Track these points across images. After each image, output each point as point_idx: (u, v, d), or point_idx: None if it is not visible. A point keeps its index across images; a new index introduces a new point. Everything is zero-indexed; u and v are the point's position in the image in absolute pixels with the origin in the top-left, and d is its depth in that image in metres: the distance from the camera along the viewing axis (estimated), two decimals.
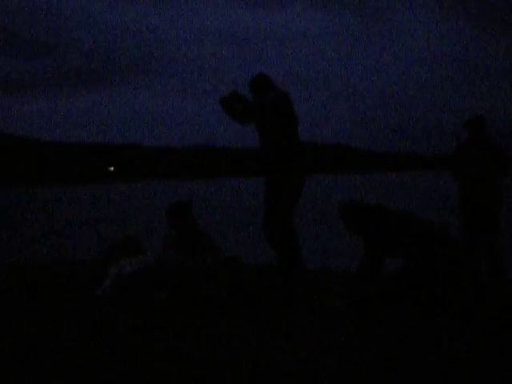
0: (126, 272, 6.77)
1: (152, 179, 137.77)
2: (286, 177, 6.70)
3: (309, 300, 6.43)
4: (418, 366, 4.42)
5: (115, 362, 4.61)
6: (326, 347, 4.88)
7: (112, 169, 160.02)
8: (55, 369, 4.44)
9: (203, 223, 7.36)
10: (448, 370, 4.31)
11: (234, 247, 12.76)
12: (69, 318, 5.91)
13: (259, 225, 6.97)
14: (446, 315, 5.73)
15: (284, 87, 6.86)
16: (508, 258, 7.76)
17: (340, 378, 4.17)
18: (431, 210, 20.12)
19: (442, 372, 4.28)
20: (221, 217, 26.48)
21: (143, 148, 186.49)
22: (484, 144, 7.50)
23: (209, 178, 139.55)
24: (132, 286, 6.70)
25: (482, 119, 7.53)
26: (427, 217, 6.40)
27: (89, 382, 4.18)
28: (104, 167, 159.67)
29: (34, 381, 4.21)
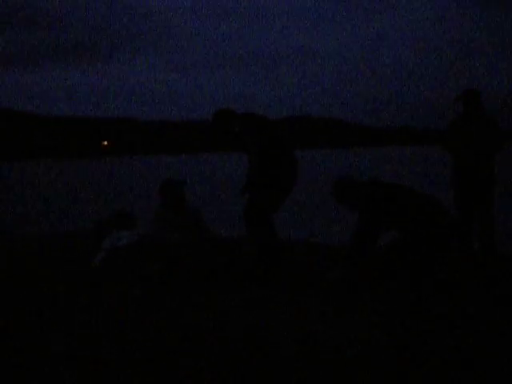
0: (120, 245, 6.81)
1: (147, 153, 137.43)
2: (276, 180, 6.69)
3: (301, 274, 6.47)
4: (419, 342, 4.46)
5: (113, 334, 4.64)
6: (323, 320, 4.92)
7: (106, 143, 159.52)
8: (51, 341, 4.46)
9: (200, 198, 7.41)
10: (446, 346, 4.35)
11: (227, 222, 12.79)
12: (63, 291, 5.94)
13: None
14: (441, 288, 5.78)
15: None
16: (501, 232, 7.82)
17: (329, 352, 4.21)
18: (426, 184, 20.14)
19: (440, 346, 4.32)
20: (220, 190, 26.51)
21: (138, 122, 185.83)
22: (479, 118, 7.50)
23: (204, 153, 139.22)
24: (125, 258, 6.74)
25: (476, 93, 7.52)
26: (422, 190, 6.41)
27: (88, 357, 4.20)
28: (98, 141, 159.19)
29: (32, 352, 4.24)
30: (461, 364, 3.93)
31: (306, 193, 20.94)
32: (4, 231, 12.78)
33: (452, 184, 7.67)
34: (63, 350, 4.25)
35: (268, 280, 6.33)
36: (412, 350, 4.17)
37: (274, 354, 4.13)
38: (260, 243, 6.63)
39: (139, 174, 49.83)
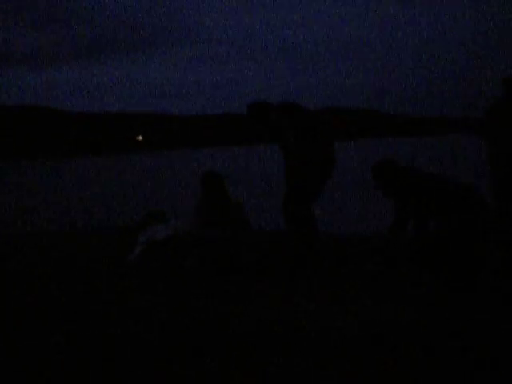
0: (156, 239, 6.83)
1: (180, 148, 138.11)
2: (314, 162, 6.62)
3: (343, 265, 6.42)
4: (452, 331, 4.39)
5: (147, 326, 4.65)
6: (361, 312, 4.87)
7: (141, 138, 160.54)
8: (86, 332, 4.49)
9: (239, 191, 7.41)
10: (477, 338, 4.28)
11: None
12: (100, 286, 5.97)
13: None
14: (477, 279, 5.69)
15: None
16: None
17: (366, 340, 4.16)
18: (461, 173, 19.90)
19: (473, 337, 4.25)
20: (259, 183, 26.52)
21: (171, 117, 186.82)
22: None
23: (237, 146, 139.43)
24: (162, 252, 6.75)
25: None
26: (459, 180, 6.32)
27: (125, 347, 4.21)
28: (132, 136, 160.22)
29: (61, 342, 4.26)
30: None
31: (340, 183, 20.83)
32: (41, 226, 12.93)
33: (489, 174, 7.54)
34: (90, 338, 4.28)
35: (302, 274, 6.26)
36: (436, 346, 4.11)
37: (297, 346, 4.11)
38: (299, 236, 6.59)
39: (175, 168, 50.08)
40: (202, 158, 71.31)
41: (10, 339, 4.43)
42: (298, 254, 6.60)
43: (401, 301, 5.14)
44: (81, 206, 20.78)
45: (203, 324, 4.69)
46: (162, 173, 42.92)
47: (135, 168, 54.98)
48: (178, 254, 6.71)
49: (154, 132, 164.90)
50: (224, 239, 6.73)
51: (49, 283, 6.15)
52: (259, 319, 4.76)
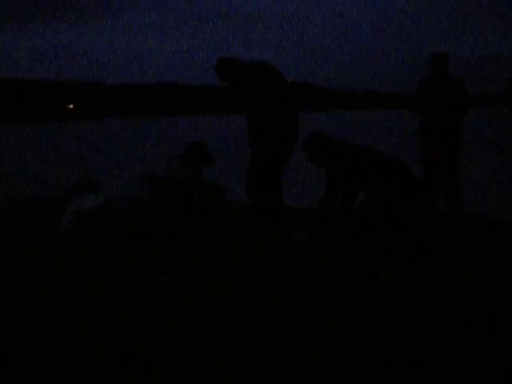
0: (86, 208, 6.74)
1: (115, 117, 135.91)
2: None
3: (275, 235, 6.49)
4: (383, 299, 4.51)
5: (81, 298, 4.62)
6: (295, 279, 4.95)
7: (71, 106, 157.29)
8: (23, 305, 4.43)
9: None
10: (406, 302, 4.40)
11: None
12: (30, 255, 5.90)
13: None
14: (404, 249, 5.85)
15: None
16: (466, 193, 7.93)
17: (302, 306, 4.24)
18: (392, 147, 20.23)
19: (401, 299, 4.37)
20: None
21: (106, 85, 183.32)
22: (446, 81, 7.54)
23: (172, 116, 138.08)
24: (92, 221, 6.68)
25: (444, 56, 7.56)
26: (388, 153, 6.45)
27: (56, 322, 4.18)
28: (64, 105, 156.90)
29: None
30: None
31: None
32: None
33: (418, 146, 7.73)
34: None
35: (253, 242, 6.27)
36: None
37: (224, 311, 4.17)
38: (263, 202, 6.56)
39: (107, 137, 49.35)
40: (131, 128, 70.38)
41: None
42: (259, 221, 6.59)
43: (336, 270, 5.26)
44: (18, 174, 20.30)
45: (133, 290, 4.69)
46: (94, 142, 42.23)
47: (66, 136, 53.92)
48: (108, 224, 6.64)
49: (85, 100, 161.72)
50: (156, 207, 6.65)
51: None
52: (191, 284, 4.81)
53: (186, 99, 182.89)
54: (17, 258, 5.82)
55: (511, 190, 12.02)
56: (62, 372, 3.35)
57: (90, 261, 5.70)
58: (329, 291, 4.66)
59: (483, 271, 5.19)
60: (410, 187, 6.09)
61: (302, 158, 6.55)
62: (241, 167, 7.93)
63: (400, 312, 4.19)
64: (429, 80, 7.65)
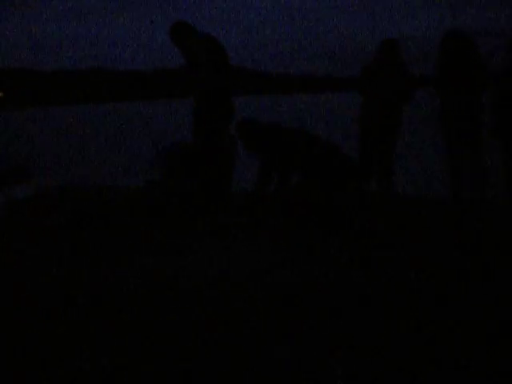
0: (15, 198, 6.60)
1: (43, 105, 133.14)
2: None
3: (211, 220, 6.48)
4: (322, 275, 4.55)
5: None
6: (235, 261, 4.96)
7: (1, 94, 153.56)
8: None
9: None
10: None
11: None
12: None
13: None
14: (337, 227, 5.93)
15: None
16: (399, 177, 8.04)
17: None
18: (335, 130, 20.43)
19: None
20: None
21: (35, 72, 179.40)
22: (393, 66, 7.57)
23: (101, 102, 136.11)
24: (23, 211, 6.54)
25: (392, 41, 7.58)
26: (329, 137, 6.53)
27: None
28: None
29: None
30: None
31: None
32: None
33: (360, 130, 7.75)
34: None
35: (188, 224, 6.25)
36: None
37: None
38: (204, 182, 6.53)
39: (38, 125, 48.40)
40: (58, 114, 69.19)
41: None
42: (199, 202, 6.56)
43: (272, 249, 5.32)
44: None
45: (72, 281, 4.62)
46: (26, 130, 41.36)
47: None
48: (41, 213, 6.51)
49: (17, 88, 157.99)
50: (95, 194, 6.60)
51: None
52: (131, 269, 4.79)
53: (123, 85, 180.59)
54: None
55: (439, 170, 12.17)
56: None
57: (22, 250, 5.57)
58: (272, 270, 4.72)
59: (415, 248, 5.32)
60: (341, 169, 6.15)
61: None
62: None
63: (333, 291, 4.26)
64: (376, 64, 7.65)
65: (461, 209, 7.01)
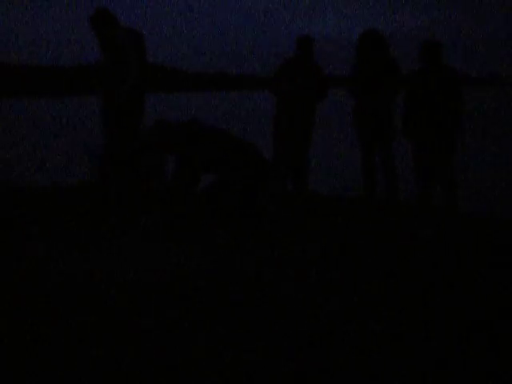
0: None
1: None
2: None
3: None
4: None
5: None
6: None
7: None
8: None
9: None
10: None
11: None
12: None
13: None
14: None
15: None
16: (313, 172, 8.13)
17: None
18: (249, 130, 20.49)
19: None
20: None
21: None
22: (307, 63, 7.61)
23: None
24: None
25: (308, 39, 7.61)
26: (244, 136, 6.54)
27: None
28: None
29: None
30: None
31: None
32: None
33: (273, 128, 7.76)
34: None
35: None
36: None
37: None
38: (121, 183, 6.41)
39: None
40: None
41: None
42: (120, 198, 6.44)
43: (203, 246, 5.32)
44: None
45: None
46: None
47: None
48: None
49: None
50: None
51: None
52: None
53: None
54: None
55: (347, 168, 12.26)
56: None
57: None
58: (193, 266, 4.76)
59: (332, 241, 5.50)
60: (257, 168, 6.17)
61: None
62: None
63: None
64: (291, 63, 7.66)
65: (375, 207, 7.16)
